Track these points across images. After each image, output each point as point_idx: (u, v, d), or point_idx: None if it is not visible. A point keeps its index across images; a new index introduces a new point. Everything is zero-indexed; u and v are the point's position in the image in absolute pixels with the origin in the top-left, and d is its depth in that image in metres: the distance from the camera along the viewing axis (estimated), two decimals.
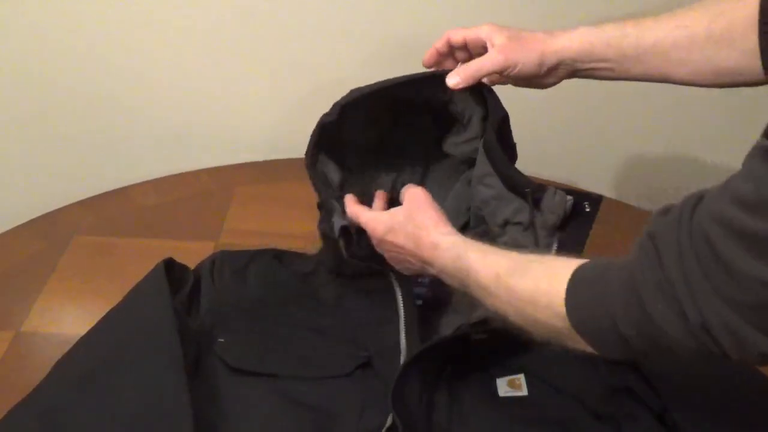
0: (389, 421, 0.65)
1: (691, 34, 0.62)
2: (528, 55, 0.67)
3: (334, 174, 0.76)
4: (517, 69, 0.67)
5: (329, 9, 0.99)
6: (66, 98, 1.06)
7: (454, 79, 0.69)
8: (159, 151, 1.14)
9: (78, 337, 0.73)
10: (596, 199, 0.67)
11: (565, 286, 0.48)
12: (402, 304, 0.72)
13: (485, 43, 0.69)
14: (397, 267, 0.70)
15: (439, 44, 0.72)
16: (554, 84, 0.71)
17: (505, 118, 0.72)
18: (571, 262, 0.50)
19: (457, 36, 0.71)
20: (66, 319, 0.86)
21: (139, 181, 1.08)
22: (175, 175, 1.09)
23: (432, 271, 0.65)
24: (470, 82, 0.69)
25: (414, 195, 0.68)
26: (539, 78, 0.70)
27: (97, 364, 0.69)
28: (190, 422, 0.62)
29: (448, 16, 1.00)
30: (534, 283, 0.52)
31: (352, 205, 0.71)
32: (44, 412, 0.66)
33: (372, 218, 0.69)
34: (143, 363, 0.68)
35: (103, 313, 0.74)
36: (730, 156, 1.17)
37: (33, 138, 1.12)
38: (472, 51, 0.72)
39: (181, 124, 1.12)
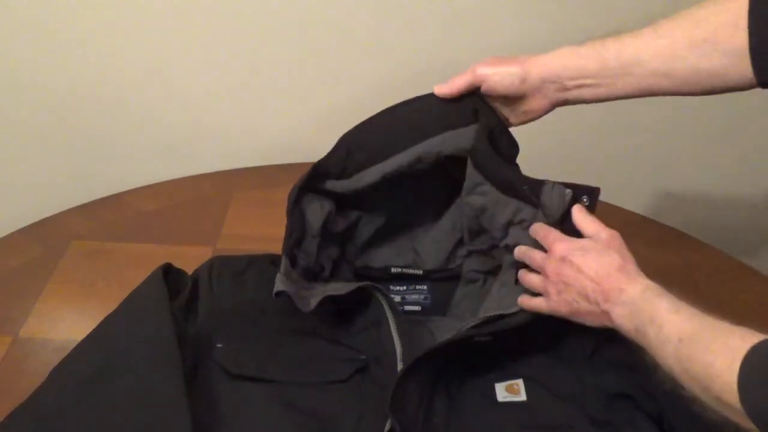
0: (388, 426, 0.65)
1: (671, 43, 0.62)
2: (509, 67, 0.69)
3: (315, 215, 0.74)
4: (499, 76, 0.69)
5: (332, 15, 0.99)
6: (63, 103, 1.06)
7: (441, 87, 0.72)
8: (157, 156, 1.14)
9: (76, 343, 0.72)
10: (594, 192, 0.67)
11: (737, 372, 0.48)
12: (389, 311, 0.72)
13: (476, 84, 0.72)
14: (555, 297, 0.65)
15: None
16: (545, 109, 0.71)
17: (496, 128, 0.73)
18: (746, 341, 0.49)
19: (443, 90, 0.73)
20: (64, 324, 0.86)
21: (137, 186, 1.08)
22: (173, 180, 1.10)
23: (603, 306, 0.61)
24: (456, 87, 0.71)
25: (616, 235, 0.65)
26: (527, 99, 0.71)
27: (95, 370, 0.69)
28: (188, 428, 0.61)
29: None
30: (712, 358, 0.51)
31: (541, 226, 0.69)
32: (42, 417, 0.65)
33: (560, 236, 0.66)
34: (141, 368, 0.68)
35: (101, 319, 0.74)
36: (732, 159, 1.18)
37: (30, 143, 1.12)
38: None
39: (180, 129, 1.12)
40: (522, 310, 0.69)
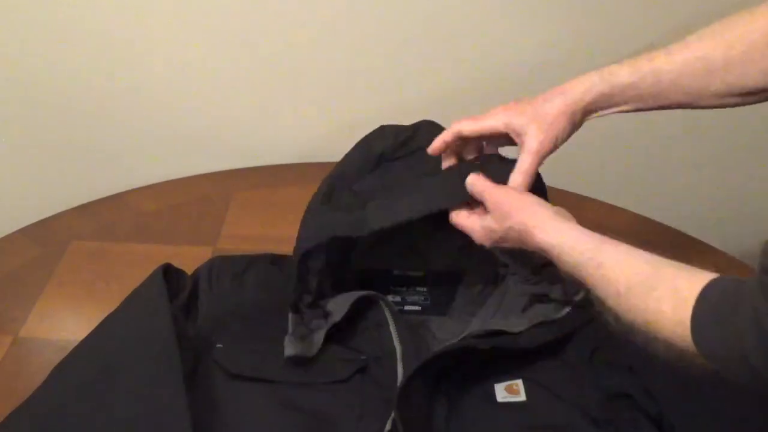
0: (388, 426, 0.65)
1: (708, 65, 0.61)
2: (558, 125, 0.64)
3: (315, 260, 0.72)
4: (559, 142, 0.65)
5: (332, 15, 0.99)
6: (63, 103, 1.06)
7: (521, 180, 0.65)
8: (157, 156, 1.14)
9: (76, 343, 0.72)
10: None
11: (690, 311, 0.47)
12: (389, 313, 0.72)
13: (503, 133, 0.66)
14: (483, 236, 0.65)
15: (448, 136, 0.67)
16: (576, 129, 0.67)
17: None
18: (695, 281, 0.49)
19: (469, 129, 0.66)
20: (64, 324, 0.86)
21: (136, 186, 1.08)
22: (173, 181, 1.09)
23: (535, 240, 0.60)
24: (533, 173, 0.65)
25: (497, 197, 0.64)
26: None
27: (95, 370, 0.69)
28: (188, 428, 0.61)
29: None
30: (658, 305, 0.51)
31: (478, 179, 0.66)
32: (41, 418, 0.66)
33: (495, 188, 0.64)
34: (141, 369, 0.68)
35: (101, 319, 0.74)
36: (732, 159, 1.17)
37: (30, 143, 1.12)
38: (488, 143, 0.70)
39: (180, 129, 1.12)
40: (527, 330, 0.69)
